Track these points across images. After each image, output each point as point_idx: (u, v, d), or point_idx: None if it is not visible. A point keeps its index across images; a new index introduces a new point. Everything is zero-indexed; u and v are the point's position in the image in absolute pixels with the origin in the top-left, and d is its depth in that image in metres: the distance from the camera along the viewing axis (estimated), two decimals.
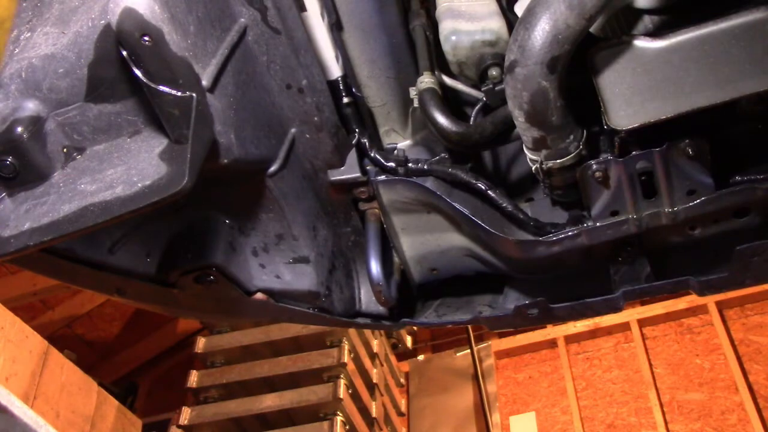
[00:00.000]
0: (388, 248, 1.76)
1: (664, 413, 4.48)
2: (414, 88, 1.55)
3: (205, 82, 1.20)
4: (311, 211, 1.65)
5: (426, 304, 1.89)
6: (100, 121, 1.20)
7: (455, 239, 1.74)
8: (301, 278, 1.64)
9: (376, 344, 4.69)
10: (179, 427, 4.05)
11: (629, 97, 1.28)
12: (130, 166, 1.14)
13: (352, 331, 4.35)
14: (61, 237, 1.11)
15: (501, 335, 5.23)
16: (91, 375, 3.65)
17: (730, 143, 1.45)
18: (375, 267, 1.67)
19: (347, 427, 3.96)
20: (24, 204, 1.17)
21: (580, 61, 1.28)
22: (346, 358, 4.11)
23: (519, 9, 1.51)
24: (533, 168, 1.43)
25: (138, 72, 1.10)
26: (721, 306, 4.81)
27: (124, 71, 1.14)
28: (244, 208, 1.56)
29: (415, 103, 1.54)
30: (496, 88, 1.45)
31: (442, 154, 1.65)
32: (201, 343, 4.37)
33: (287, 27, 1.41)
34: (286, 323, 2.10)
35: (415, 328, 5.16)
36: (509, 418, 4.87)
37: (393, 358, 5.11)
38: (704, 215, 1.47)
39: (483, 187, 1.57)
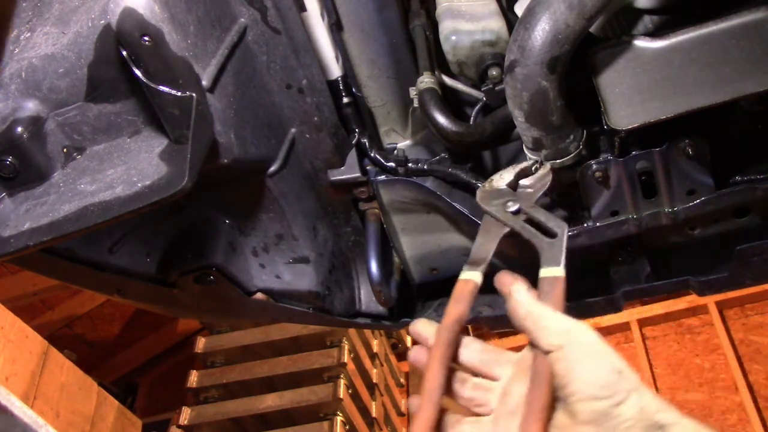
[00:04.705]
0: (388, 248, 1.76)
1: None
2: (414, 88, 1.54)
3: (205, 82, 1.20)
4: (311, 211, 1.65)
5: (426, 304, 1.89)
6: (100, 121, 1.20)
7: (455, 239, 1.74)
8: (301, 278, 1.64)
9: (376, 344, 4.69)
10: (179, 427, 4.04)
11: (629, 97, 1.28)
12: (130, 166, 1.14)
13: (352, 331, 4.34)
14: (61, 237, 1.11)
15: (501, 335, 5.23)
16: (91, 375, 3.65)
17: (730, 143, 1.45)
18: (375, 267, 1.68)
19: (347, 427, 3.96)
20: (24, 204, 1.16)
21: (580, 61, 1.28)
22: (346, 358, 4.10)
23: (519, 9, 1.51)
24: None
25: (138, 72, 1.10)
26: (721, 306, 4.80)
27: (124, 71, 1.14)
28: (244, 208, 1.56)
29: (415, 103, 1.54)
30: (496, 88, 1.45)
31: (442, 154, 1.65)
32: (201, 343, 4.37)
33: (287, 27, 1.41)
34: (286, 323, 2.10)
35: None
36: None
37: (393, 358, 5.11)
38: (704, 215, 1.47)
39: None
